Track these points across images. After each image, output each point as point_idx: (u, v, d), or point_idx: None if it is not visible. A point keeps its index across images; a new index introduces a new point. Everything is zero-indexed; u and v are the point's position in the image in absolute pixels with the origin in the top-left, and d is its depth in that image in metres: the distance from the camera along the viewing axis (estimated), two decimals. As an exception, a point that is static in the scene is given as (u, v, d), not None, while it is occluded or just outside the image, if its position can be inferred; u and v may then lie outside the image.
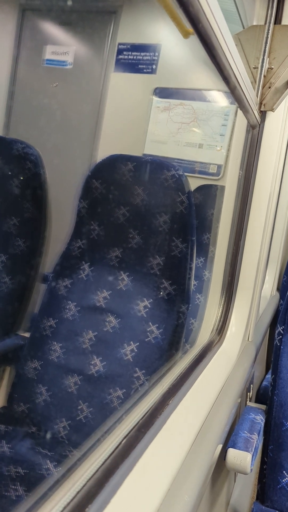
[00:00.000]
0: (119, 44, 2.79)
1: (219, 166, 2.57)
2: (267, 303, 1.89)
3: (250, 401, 1.44)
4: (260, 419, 1.09)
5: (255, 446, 0.95)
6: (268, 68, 1.05)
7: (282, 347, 1.14)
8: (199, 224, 1.42)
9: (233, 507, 1.23)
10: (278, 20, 1.09)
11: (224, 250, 1.20)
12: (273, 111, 1.09)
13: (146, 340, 1.15)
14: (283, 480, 1.07)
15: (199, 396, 0.83)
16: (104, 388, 1.14)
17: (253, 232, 1.19)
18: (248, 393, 1.40)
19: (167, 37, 2.68)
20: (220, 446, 0.86)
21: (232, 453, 0.90)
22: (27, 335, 1.36)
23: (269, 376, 1.29)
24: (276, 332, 1.15)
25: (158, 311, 1.17)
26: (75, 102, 2.92)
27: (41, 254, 1.40)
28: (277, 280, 2.24)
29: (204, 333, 1.19)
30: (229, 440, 0.95)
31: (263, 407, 1.18)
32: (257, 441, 0.96)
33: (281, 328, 1.15)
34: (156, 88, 2.71)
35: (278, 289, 2.26)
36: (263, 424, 1.08)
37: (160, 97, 2.69)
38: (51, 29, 2.98)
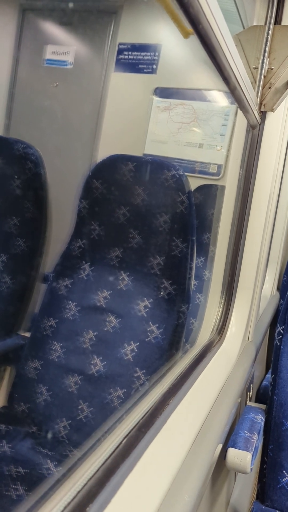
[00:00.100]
0: (120, 44, 2.79)
1: (219, 166, 2.57)
2: (267, 302, 1.89)
3: (250, 400, 1.44)
4: (260, 418, 1.09)
5: (255, 445, 0.95)
6: (268, 68, 1.06)
7: (282, 346, 1.14)
8: (199, 224, 1.43)
9: (233, 506, 1.23)
10: (278, 20, 1.09)
11: (224, 250, 1.20)
12: (273, 112, 1.09)
13: (146, 340, 1.15)
14: (283, 480, 1.07)
15: (199, 396, 0.83)
16: (104, 388, 1.14)
17: (253, 232, 1.19)
18: (248, 393, 1.41)
19: (167, 37, 2.68)
20: (220, 446, 0.86)
21: (232, 452, 0.91)
22: (27, 335, 1.36)
23: (269, 375, 1.29)
24: (276, 332, 1.16)
25: (158, 311, 1.17)
26: (75, 102, 2.92)
27: (42, 254, 1.41)
28: (277, 280, 2.25)
29: (204, 333, 1.19)
30: (229, 439, 0.96)
31: (263, 406, 1.18)
32: (257, 441, 0.97)
33: (281, 328, 1.15)
34: (157, 88, 2.71)
35: (278, 288, 2.27)
36: (263, 424, 1.08)
37: (161, 97, 2.69)
38: (52, 29, 2.98)
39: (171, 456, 0.62)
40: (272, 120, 1.14)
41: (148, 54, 2.72)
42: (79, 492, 0.49)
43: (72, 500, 0.48)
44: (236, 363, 1.10)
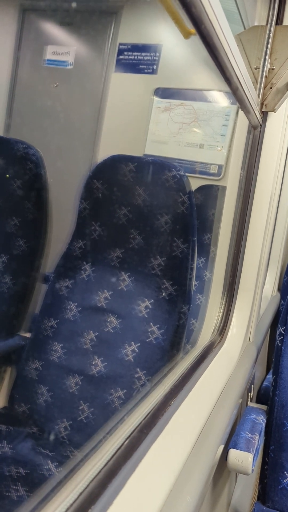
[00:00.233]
0: (120, 44, 2.79)
1: (220, 167, 2.57)
2: (268, 303, 1.89)
3: (251, 401, 1.44)
4: (261, 419, 1.09)
5: (256, 446, 0.95)
6: (270, 68, 1.05)
7: (283, 347, 1.14)
8: (200, 224, 1.42)
9: (234, 507, 1.23)
10: (279, 20, 1.09)
11: (225, 250, 1.20)
12: (275, 112, 1.09)
13: (147, 340, 1.15)
14: (284, 481, 1.07)
15: (201, 397, 0.83)
16: (105, 388, 1.14)
17: (254, 232, 1.19)
18: (249, 394, 1.40)
19: (167, 38, 2.68)
20: (221, 447, 0.86)
21: (233, 453, 0.90)
22: (28, 335, 1.36)
23: (270, 376, 1.29)
24: (277, 332, 1.15)
25: (159, 311, 1.17)
26: (76, 102, 2.92)
27: (42, 254, 1.41)
28: (278, 281, 2.25)
29: (205, 334, 1.19)
30: (231, 440, 0.95)
31: (264, 407, 1.18)
32: (258, 442, 0.97)
33: (282, 328, 1.15)
34: (157, 89, 2.71)
35: (279, 289, 2.26)
36: (264, 425, 1.08)
37: (161, 97, 2.69)
38: (52, 29, 2.98)
39: (173, 457, 0.62)
40: (274, 121, 1.14)
41: (148, 54, 2.72)
42: (81, 493, 0.49)
43: (74, 501, 0.48)
44: (237, 363, 1.10)
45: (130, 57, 2.76)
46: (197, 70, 2.62)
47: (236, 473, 1.28)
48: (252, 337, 1.27)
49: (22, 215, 1.39)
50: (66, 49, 2.90)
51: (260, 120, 1.11)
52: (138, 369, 1.13)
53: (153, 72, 2.72)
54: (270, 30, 1.06)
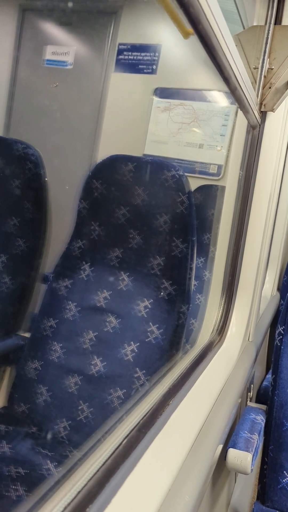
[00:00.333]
0: (120, 44, 2.79)
1: (219, 166, 2.57)
2: (267, 303, 1.89)
3: (250, 401, 1.44)
4: (260, 419, 1.09)
5: (256, 446, 0.95)
6: (269, 68, 1.05)
7: (282, 347, 1.14)
8: (199, 224, 1.43)
9: (233, 507, 1.23)
10: (278, 20, 1.09)
11: (225, 250, 1.20)
12: (274, 112, 1.09)
13: (146, 340, 1.15)
14: (284, 480, 1.07)
15: (200, 396, 0.83)
16: (104, 388, 1.14)
17: (253, 232, 1.19)
18: (249, 393, 1.40)
19: (167, 38, 2.68)
20: (220, 446, 0.86)
21: (232, 453, 0.90)
22: (27, 335, 1.36)
23: (269, 376, 1.29)
24: (277, 332, 1.15)
25: (158, 311, 1.17)
26: (75, 102, 2.92)
27: (42, 254, 1.41)
28: (278, 280, 2.24)
29: (204, 333, 1.19)
30: (230, 440, 0.95)
31: (264, 407, 1.18)
32: (257, 441, 0.97)
33: (282, 328, 1.15)
34: (157, 88, 2.71)
35: (278, 289, 2.26)
36: (263, 424, 1.08)
37: (161, 97, 2.69)
38: (52, 29, 2.98)
39: (171, 457, 0.62)
40: (273, 120, 1.14)
41: (148, 54, 2.72)
42: (79, 492, 0.49)
43: (72, 500, 0.48)
44: (236, 363, 1.10)
45: (129, 57, 2.76)
46: (197, 70, 2.62)
47: (235, 473, 1.28)
48: (251, 336, 1.27)
49: (22, 215, 1.39)
50: (66, 49, 2.90)
51: (259, 120, 1.11)
52: (137, 369, 1.13)
53: (153, 72, 2.72)
54: (269, 30, 1.06)
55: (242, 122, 1.15)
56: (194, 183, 1.47)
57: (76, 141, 2.90)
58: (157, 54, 2.70)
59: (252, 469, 0.91)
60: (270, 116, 1.13)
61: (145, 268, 1.20)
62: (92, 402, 1.14)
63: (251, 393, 1.46)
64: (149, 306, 1.17)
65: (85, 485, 0.50)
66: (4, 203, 1.40)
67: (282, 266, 2.28)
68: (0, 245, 1.40)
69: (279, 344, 1.14)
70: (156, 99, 2.70)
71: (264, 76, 1.06)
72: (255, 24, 1.09)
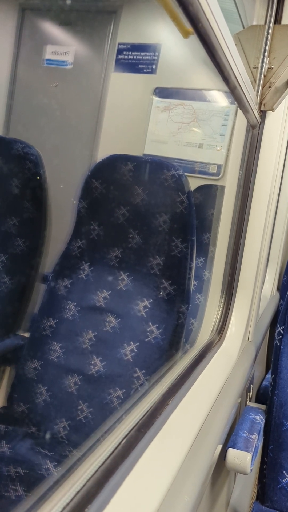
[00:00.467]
0: (119, 44, 2.79)
1: (219, 166, 2.57)
2: (267, 303, 1.89)
3: (250, 401, 1.44)
4: (260, 419, 1.09)
5: (255, 446, 0.94)
6: (268, 67, 1.05)
7: (282, 347, 1.14)
8: (199, 224, 1.42)
9: (233, 507, 1.23)
10: (278, 19, 1.09)
11: (224, 250, 1.20)
12: (273, 111, 1.09)
13: (146, 340, 1.15)
14: (283, 480, 1.07)
15: (199, 396, 0.83)
16: (104, 388, 1.14)
17: (253, 232, 1.18)
18: (248, 393, 1.40)
19: (167, 37, 2.68)
20: (220, 446, 0.86)
21: (232, 453, 0.90)
22: (27, 335, 1.36)
23: (269, 376, 1.29)
24: (276, 332, 1.15)
25: (158, 311, 1.17)
26: (75, 102, 2.92)
27: (41, 254, 1.40)
28: (277, 280, 2.24)
29: (204, 333, 1.18)
30: (229, 440, 0.95)
31: (263, 407, 1.18)
32: (257, 441, 0.96)
33: (281, 328, 1.15)
34: (156, 88, 2.70)
35: (278, 289, 2.26)
36: (263, 424, 1.08)
37: (160, 97, 2.69)
38: (51, 28, 2.98)
39: (170, 457, 0.62)
40: (272, 120, 1.14)
41: (147, 54, 2.72)
42: (78, 492, 0.49)
43: (71, 500, 0.48)
44: (236, 363, 1.10)
45: (129, 56, 2.76)
46: (197, 69, 2.62)
47: (235, 473, 1.28)
48: (251, 336, 1.27)
49: (21, 214, 1.39)
50: (66, 48, 2.90)
51: (259, 119, 1.11)
52: (136, 368, 1.13)
53: (153, 71, 2.72)
54: (268, 29, 1.06)
55: (241, 121, 1.15)
56: (193, 183, 1.47)
57: (76, 141, 2.90)
58: (156, 53, 2.70)
59: (251, 469, 0.90)
60: (270, 116, 1.13)
61: (144, 268, 1.20)
62: (92, 402, 1.14)
63: (251, 393, 1.46)
64: (149, 306, 1.17)
65: (84, 485, 0.50)
66: (3, 202, 1.40)
67: (282, 265, 2.28)
68: (0, 245, 1.39)
69: (278, 344, 1.14)
70: (156, 98, 2.70)
71: (264, 76, 1.06)
72: (254, 23, 1.09)
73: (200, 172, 2.60)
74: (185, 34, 1.89)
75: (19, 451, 1.08)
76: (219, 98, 2.59)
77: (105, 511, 0.47)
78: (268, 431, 1.10)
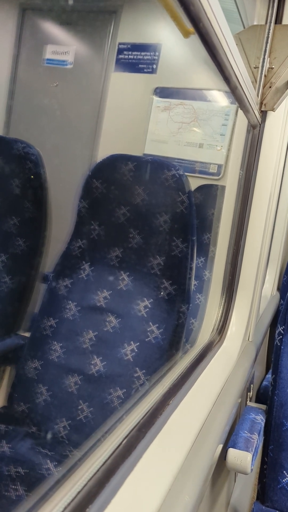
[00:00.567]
0: (120, 43, 2.78)
1: (219, 166, 2.57)
2: (267, 303, 1.89)
3: (250, 401, 1.44)
4: (260, 419, 1.09)
5: (256, 446, 0.95)
6: (269, 67, 1.05)
7: (282, 347, 1.14)
8: (199, 224, 1.42)
9: (233, 507, 1.23)
10: (278, 19, 1.09)
11: (225, 250, 1.20)
12: (274, 111, 1.09)
13: (146, 340, 1.15)
14: (284, 480, 1.07)
15: (200, 396, 0.83)
16: (104, 388, 1.14)
17: (253, 231, 1.18)
18: (249, 393, 1.40)
19: (167, 37, 2.68)
20: (220, 446, 0.86)
21: (232, 453, 0.90)
22: (27, 334, 1.36)
23: (269, 376, 1.29)
24: (277, 332, 1.15)
25: (158, 311, 1.17)
26: (75, 101, 2.92)
27: (42, 253, 1.40)
28: (278, 280, 2.24)
29: (204, 333, 1.18)
30: (230, 440, 0.95)
31: (264, 407, 1.18)
32: (257, 441, 0.96)
33: (282, 328, 1.15)
34: (157, 88, 2.70)
35: (278, 289, 2.26)
36: (263, 424, 1.08)
37: (161, 96, 2.69)
38: (52, 28, 2.98)
39: (171, 457, 0.62)
40: (273, 120, 1.14)
41: (148, 53, 2.72)
42: (79, 492, 0.49)
43: (72, 500, 0.48)
44: (236, 363, 1.10)
45: (129, 56, 2.76)
46: (197, 69, 2.61)
47: (235, 473, 1.28)
48: (251, 336, 1.27)
49: (22, 214, 1.39)
50: (66, 48, 2.90)
51: (259, 119, 1.11)
52: (137, 368, 1.13)
53: (153, 71, 2.72)
54: (269, 29, 1.06)
55: (242, 121, 1.15)
56: (194, 183, 1.47)
57: (76, 141, 2.90)
58: (157, 53, 2.70)
59: (252, 469, 0.90)
60: (271, 116, 1.13)
61: (145, 267, 1.20)
62: (92, 402, 1.14)
63: (251, 393, 1.46)
64: (149, 305, 1.17)
65: (85, 485, 0.50)
66: (4, 202, 1.40)
67: (282, 265, 2.28)
68: (0, 245, 1.39)
69: (279, 344, 1.14)
70: (156, 98, 2.70)
71: (265, 76, 1.06)
72: (255, 23, 1.09)
73: (201, 172, 2.60)
74: (186, 34, 1.89)
75: (20, 450, 1.08)
76: (220, 98, 2.59)
77: (106, 511, 0.47)
78: (268, 431, 1.10)
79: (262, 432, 1.06)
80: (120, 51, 2.79)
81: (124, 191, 1.21)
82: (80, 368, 1.17)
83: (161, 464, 0.59)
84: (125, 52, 2.77)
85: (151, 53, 2.71)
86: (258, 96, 1.07)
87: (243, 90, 0.80)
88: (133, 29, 2.76)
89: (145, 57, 2.72)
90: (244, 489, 1.37)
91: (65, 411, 1.15)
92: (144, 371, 1.13)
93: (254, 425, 1.04)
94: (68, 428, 1.14)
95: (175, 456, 0.63)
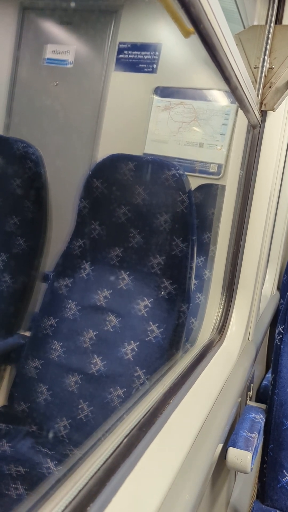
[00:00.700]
0: (120, 43, 2.79)
1: (219, 166, 2.57)
2: (267, 302, 1.89)
3: (250, 400, 1.44)
4: (260, 418, 1.09)
5: (255, 445, 0.95)
6: (269, 68, 1.05)
7: (282, 346, 1.14)
8: (199, 223, 1.43)
9: (233, 506, 1.23)
10: (279, 20, 1.09)
11: (225, 249, 1.20)
12: (274, 111, 1.09)
13: (146, 339, 1.15)
14: (283, 479, 1.07)
15: (200, 395, 0.83)
16: (104, 387, 1.14)
17: (253, 231, 1.19)
18: (249, 392, 1.41)
19: (167, 37, 2.68)
20: (220, 445, 0.86)
21: (232, 452, 0.91)
22: (28, 334, 1.36)
23: (269, 375, 1.29)
24: (276, 331, 1.16)
25: (158, 310, 1.17)
26: (75, 101, 2.92)
27: (42, 253, 1.41)
28: (278, 279, 2.25)
29: (204, 333, 1.19)
30: (230, 439, 0.96)
31: (263, 406, 1.18)
32: (257, 440, 0.97)
33: (281, 327, 1.15)
34: (157, 88, 2.70)
35: (278, 288, 2.27)
36: (263, 423, 1.09)
37: (161, 96, 2.69)
38: (52, 28, 2.98)
39: (171, 456, 0.62)
40: (273, 120, 1.14)
41: (148, 53, 2.72)
42: (80, 491, 0.49)
43: (73, 499, 0.48)
44: (236, 362, 1.10)
45: (130, 56, 2.76)
46: (197, 69, 2.61)
47: (235, 472, 1.28)
48: (251, 335, 1.27)
49: (22, 214, 1.39)
50: (66, 48, 2.90)
51: (260, 119, 1.11)
52: (137, 368, 1.14)
53: (153, 71, 2.72)
54: (269, 29, 1.06)
55: (242, 121, 1.15)
56: (194, 182, 1.47)
57: (77, 140, 2.90)
58: (157, 53, 2.70)
59: (252, 468, 0.91)
60: (271, 116, 1.13)
61: (145, 267, 1.20)
62: (92, 401, 1.14)
63: (251, 392, 1.46)
64: (149, 305, 1.18)
65: (86, 484, 0.51)
66: (4, 202, 1.40)
67: (282, 265, 2.28)
68: (1, 244, 1.40)
69: (279, 343, 1.14)
70: (156, 98, 2.70)
71: (265, 76, 1.06)
72: (255, 23, 1.09)
73: (201, 172, 2.60)
74: (186, 34, 1.89)
75: (20, 450, 1.08)
76: (220, 98, 2.59)
77: (107, 510, 0.47)
78: (268, 430, 1.11)
79: (262, 432, 1.06)
80: (120, 51, 2.79)
81: (125, 191, 1.21)
82: (81, 367, 1.18)
83: (161, 463, 0.59)
84: (125, 52, 2.77)
85: (151, 53, 2.71)
86: (258, 96, 1.07)
87: (243, 90, 0.80)
88: (133, 28, 2.76)
89: (145, 57, 2.72)
90: (244, 488, 1.37)
91: (65, 410, 1.16)
92: (144, 370, 1.13)
93: (254, 424, 1.04)
94: (69, 427, 1.14)
95: (175, 455, 0.63)
